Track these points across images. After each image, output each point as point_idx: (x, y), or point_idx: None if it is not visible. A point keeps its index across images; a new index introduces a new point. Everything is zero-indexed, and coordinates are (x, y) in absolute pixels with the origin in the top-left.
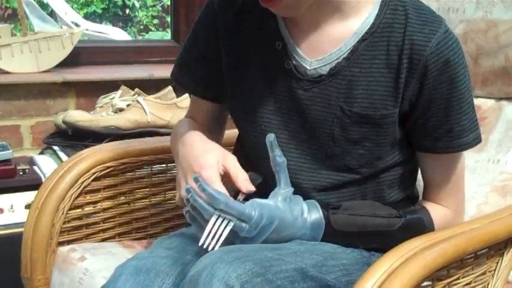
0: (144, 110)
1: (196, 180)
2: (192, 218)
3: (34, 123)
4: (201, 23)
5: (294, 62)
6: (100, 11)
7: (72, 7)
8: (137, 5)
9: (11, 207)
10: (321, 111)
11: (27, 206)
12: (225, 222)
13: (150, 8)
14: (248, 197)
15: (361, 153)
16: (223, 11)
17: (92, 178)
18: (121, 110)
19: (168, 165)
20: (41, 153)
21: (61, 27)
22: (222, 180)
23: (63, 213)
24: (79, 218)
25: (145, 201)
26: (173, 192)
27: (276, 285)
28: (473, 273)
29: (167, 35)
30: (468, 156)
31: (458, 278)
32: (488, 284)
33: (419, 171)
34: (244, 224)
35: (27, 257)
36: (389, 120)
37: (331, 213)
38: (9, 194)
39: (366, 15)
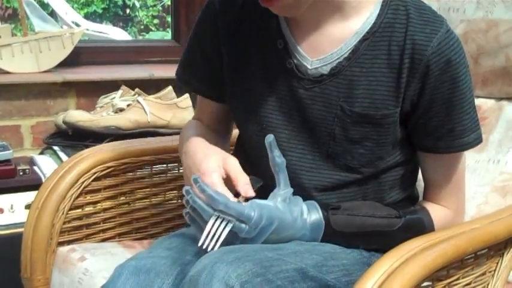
0: (144, 110)
1: (195, 181)
2: (192, 219)
3: (34, 123)
4: (202, 23)
5: (295, 61)
6: (100, 11)
7: (72, 7)
8: (137, 4)
9: (11, 207)
10: (321, 110)
11: (27, 206)
12: (224, 223)
13: (151, 8)
14: (248, 197)
15: (362, 153)
16: (224, 10)
17: (92, 178)
18: (121, 110)
19: (169, 165)
20: (41, 153)
21: (61, 27)
22: (225, 184)
23: (63, 214)
24: (79, 218)
25: (145, 201)
26: (174, 192)
27: (276, 285)
28: (473, 274)
29: (167, 35)
30: (468, 157)
31: (458, 279)
32: (488, 284)
33: (419, 172)
34: (243, 225)
35: (27, 257)
36: (390, 120)
37: (330, 214)
38: (10, 194)
39: (367, 15)
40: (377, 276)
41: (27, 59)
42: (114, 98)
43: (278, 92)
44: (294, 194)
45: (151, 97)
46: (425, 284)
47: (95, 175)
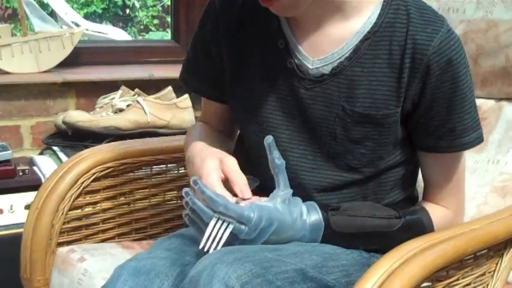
0: (144, 110)
1: (195, 183)
2: (192, 221)
3: (34, 123)
4: (203, 23)
5: (296, 61)
6: (100, 11)
7: (72, 7)
8: (137, 5)
9: (11, 208)
10: (322, 110)
11: (27, 207)
12: (225, 224)
13: (150, 8)
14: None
15: (363, 153)
16: (224, 11)
17: (91, 179)
18: (121, 110)
19: (168, 165)
20: (41, 153)
21: (61, 27)
22: (225, 185)
23: (62, 214)
24: (79, 218)
25: (145, 202)
26: (173, 193)
27: (275, 286)
28: (472, 274)
29: (167, 35)
30: (468, 157)
31: (457, 279)
32: (487, 285)
33: (419, 172)
34: (243, 226)
35: (26, 258)
36: (391, 119)
37: (330, 215)
38: (9, 194)
39: (367, 15)
40: (377, 277)
41: (27, 59)
42: (113, 98)
43: (279, 92)
44: (294, 194)
45: (151, 97)
46: (425, 284)
47: (95, 175)
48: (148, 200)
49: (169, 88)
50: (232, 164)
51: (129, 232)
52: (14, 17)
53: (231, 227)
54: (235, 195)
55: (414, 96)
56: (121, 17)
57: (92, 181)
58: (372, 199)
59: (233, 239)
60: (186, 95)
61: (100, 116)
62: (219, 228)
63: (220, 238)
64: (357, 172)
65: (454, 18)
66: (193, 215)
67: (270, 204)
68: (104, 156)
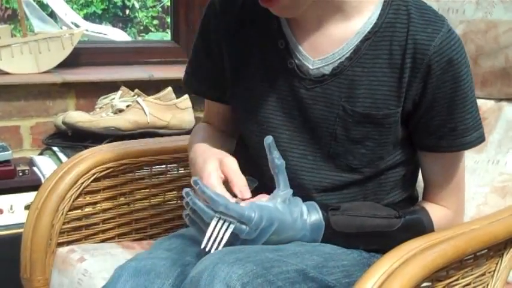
0: (143, 110)
1: (195, 183)
2: (192, 221)
3: (34, 124)
4: (204, 23)
5: (296, 61)
6: (100, 12)
7: (72, 8)
8: (137, 5)
9: (11, 208)
10: (323, 110)
11: (27, 207)
12: (226, 224)
13: (150, 9)
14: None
15: (363, 153)
16: (224, 11)
17: (91, 179)
18: (121, 110)
19: (168, 166)
20: (41, 154)
21: (61, 28)
22: (225, 185)
23: (62, 214)
24: (78, 218)
25: (145, 202)
26: (173, 193)
27: (276, 286)
28: (472, 274)
29: (167, 36)
30: (468, 157)
31: (457, 279)
32: (487, 285)
33: (419, 172)
34: (244, 226)
35: (26, 258)
36: (391, 119)
37: (330, 215)
38: (9, 194)
39: (368, 15)
40: (377, 277)
41: (27, 59)
42: (113, 98)
43: (279, 92)
44: (294, 194)
45: (150, 98)
46: (424, 284)
47: (94, 176)
48: (148, 200)
49: (169, 89)
50: (232, 164)
51: (129, 232)
52: (13, 18)
53: (232, 226)
54: (235, 196)
55: (415, 96)
56: (121, 18)
57: (91, 181)
58: (372, 199)
59: (234, 239)
60: (186, 96)
61: (100, 116)
62: (220, 228)
63: (222, 238)
64: (357, 172)
65: (454, 19)
66: (193, 215)
67: (271, 204)
68: (104, 156)
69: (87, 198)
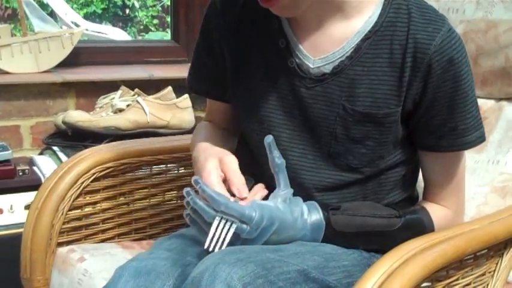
0: (143, 110)
1: (196, 182)
2: (193, 221)
3: (34, 123)
4: (205, 23)
5: (297, 60)
6: (100, 11)
7: (72, 7)
8: (137, 5)
9: (11, 208)
10: (323, 109)
11: (27, 207)
12: (228, 224)
13: (150, 8)
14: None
15: (363, 152)
16: (225, 10)
17: (91, 179)
18: (121, 110)
19: (168, 165)
20: (41, 153)
21: (61, 28)
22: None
23: (62, 214)
24: (78, 218)
25: (144, 202)
26: (173, 193)
27: (277, 287)
28: (472, 274)
29: (167, 35)
30: (468, 157)
31: (457, 279)
32: (487, 285)
33: (420, 172)
34: (244, 226)
35: (26, 258)
36: (392, 119)
37: (331, 214)
38: (9, 194)
39: (369, 14)
40: (377, 277)
41: (27, 59)
42: (113, 98)
43: (279, 91)
44: (295, 194)
45: (150, 97)
46: (424, 284)
47: (94, 175)
48: (148, 200)
49: (169, 88)
50: (231, 163)
51: (129, 232)
52: (13, 17)
53: (234, 226)
54: (233, 195)
55: (415, 95)
56: (121, 17)
57: (91, 181)
58: (372, 199)
59: (234, 239)
60: (186, 95)
61: (100, 116)
62: (223, 228)
63: (225, 238)
64: (357, 172)
65: (454, 19)
66: (194, 214)
67: (271, 203)
68: (104, 156)
69: (87, 198)
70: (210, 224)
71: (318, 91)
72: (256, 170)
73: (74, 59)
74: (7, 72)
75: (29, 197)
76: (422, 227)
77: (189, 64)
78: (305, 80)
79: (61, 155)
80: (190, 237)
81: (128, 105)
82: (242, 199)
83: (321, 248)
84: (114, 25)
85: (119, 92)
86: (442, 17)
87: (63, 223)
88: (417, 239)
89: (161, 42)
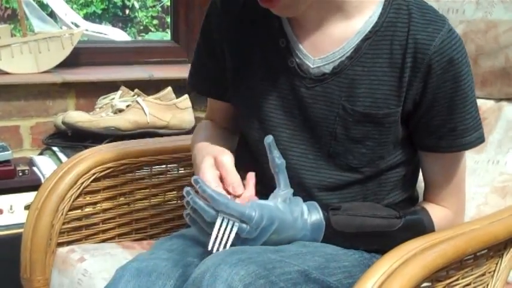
0: (143, 110)
1: (196, 181)
2: (193, 220)
3: (34, 123)
4: (206, 24)
5: (297, 60)
6: (100, 12)
7: (72, 8)
8: (137, 5)
9: (11, 208)
10: (323, 109)
11: (27, 207)
12: (230, 224)
13: (150, 9)
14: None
15: (363, 153)
16: (225, 10)
17: (91, 179)
18: (121, 110)
19: (168, 166)
20: (41, 154)
21: (61, 28)
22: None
23: (62, 214)
24: (78, 218)
25: (145, 202)
26: (173, 193)
27: (278, 287)
28: (472, 274)
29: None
30: (468, 157)
31: (457, 279)
32: (487, 285)
33: (420, 173)
34: (244, 225)
35: (26, 258)
36: (392, 119)
37: (331, 214)
38: (9, 194)
39: (369, 14)
40: (377, 277)
41: (27, 59)
42: (113, 98)
43: (280, 90)
44: (295, 193)
45: (150, 98)
46: (425, 284)
47: (94, 176)
48: (149, 200)
49: (169, 88)
50: (225, 161)
51: (129, 232)
52: (13, 18)
53: (236, 226)
54: (229, 193)
55: (415, 95)
56: (120, 18)
57: (91, 181)
58: (372, 199)
59: (235, 238)
60: (186, 96)
61: (100, 116)
62: (225, 228)
63: (228, 238)
64: (357, 172)
65: (454, 19)
66: (194, 214)
67: (271, 203)
68: (104, 156)
69: (87, 198)
70: (210, 224)
71: (318, 91)
72: (256, 170)
73: (74, 59)
74: (7, 73)
75: (28, 197)
76: (422, 227)
77: (189, 64)
78: (305, 79)
79: (61, 155)
80: (191, 238)
81: (127, 106)
82: (237, 197)
83: (322, 249)
84: (114, 25)
85: (119, 92)
86: (443, 18)
87: (63, 223)
88: (417, 239)
89: (161, 43)
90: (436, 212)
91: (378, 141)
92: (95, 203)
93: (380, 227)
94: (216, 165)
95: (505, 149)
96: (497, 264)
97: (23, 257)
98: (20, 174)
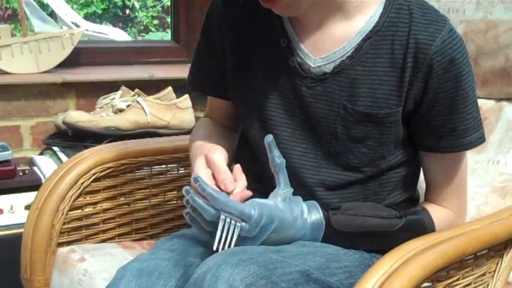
0: (144, 110)
1: (195, 180)
2: (192, 219)
3: (34, 123)
4: (206, 23)
5: (298, 59)
6: (100, 12)
7: (72, 7)
8: (137, 5)
9: (11, 208)
10: (324, 109)
11: (27, 207)
12: (233, 223)
13: (150, 9)
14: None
15: (364, 152)
16: (226, 10)
17: (91, 179)
18: (121, 110)
19: (168, 166)
20: (41, 153)
21: (61, 28)
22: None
23: (63, 214)
24: (79, 218)
25: (145, 202)
26: (173, 193)
27: None
28: (473, 274)
29: (167, 36)
30: (468, 157)
31: (458, 279)
32: (488, 285)
33: (421, 173)
34: (244, 224)
35: (27, 258)
36: (392, 119)
37: (331, 214)
38: (9, 194)
39: (370, 14)
40: (377, 277)
41: (27, 59)
42: (113, 98)
43: (281, 90)
44: (295, 193)
45: (151, 98)
46: (425, 284)
47: (95, 176)
48: (149, 200)
49: (170, 88)
50: (216, 159)
51: (129, 232)
52: (13, 18)
53: (239, 226)
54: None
55: (416, 95)
56: (121, 18)
57: (92, 181)
58: (373, 199)
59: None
60: (186, 96)
61: (100, 116)
62: (228, 228)
63: (232, 239)
64: (357, 171)
65: (454, 19)
66: (194, 213)
67: (271, 202)
68: (104, 156)
69: (88, 198)
70: (209, 222)
71: (319, 90)
72: (256, 169)
73: (74, 59)
74: (7, 73)
75: (29, 197)
76: (423, 227)
77: (189, 64)
78: (306, 79)
79: (61, 155)
80: (192, 238)
81: (128, 106)
82: (228, 193)
83: (323, 249)
84: (114, 25)
85: (119, 92)
86: (443, 18)
87: (64, 223)
88: (417, 239)
89: (161, 43)
90: (437, 212)
91: (378, 140)
92: (95, 203)
93: (380, 227)
94: (207, 164)
95: (505, 149)
96: (497, 264)
97: (23, 257)
98: (21, 174)
